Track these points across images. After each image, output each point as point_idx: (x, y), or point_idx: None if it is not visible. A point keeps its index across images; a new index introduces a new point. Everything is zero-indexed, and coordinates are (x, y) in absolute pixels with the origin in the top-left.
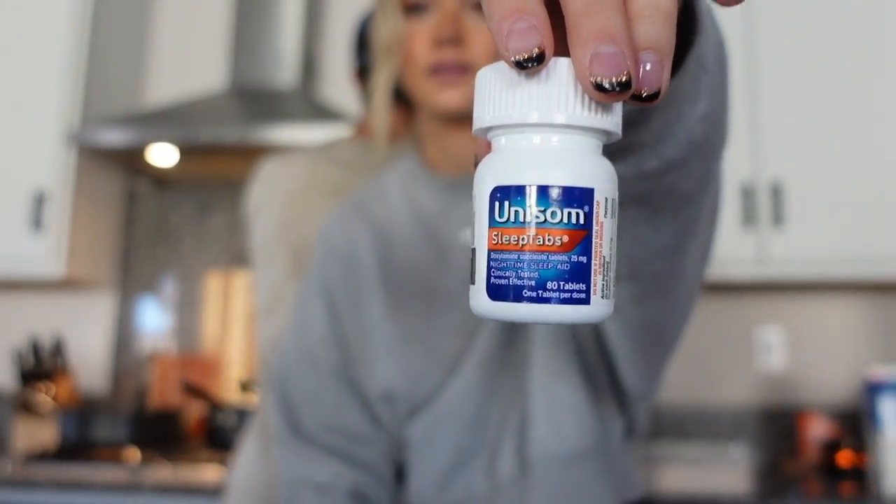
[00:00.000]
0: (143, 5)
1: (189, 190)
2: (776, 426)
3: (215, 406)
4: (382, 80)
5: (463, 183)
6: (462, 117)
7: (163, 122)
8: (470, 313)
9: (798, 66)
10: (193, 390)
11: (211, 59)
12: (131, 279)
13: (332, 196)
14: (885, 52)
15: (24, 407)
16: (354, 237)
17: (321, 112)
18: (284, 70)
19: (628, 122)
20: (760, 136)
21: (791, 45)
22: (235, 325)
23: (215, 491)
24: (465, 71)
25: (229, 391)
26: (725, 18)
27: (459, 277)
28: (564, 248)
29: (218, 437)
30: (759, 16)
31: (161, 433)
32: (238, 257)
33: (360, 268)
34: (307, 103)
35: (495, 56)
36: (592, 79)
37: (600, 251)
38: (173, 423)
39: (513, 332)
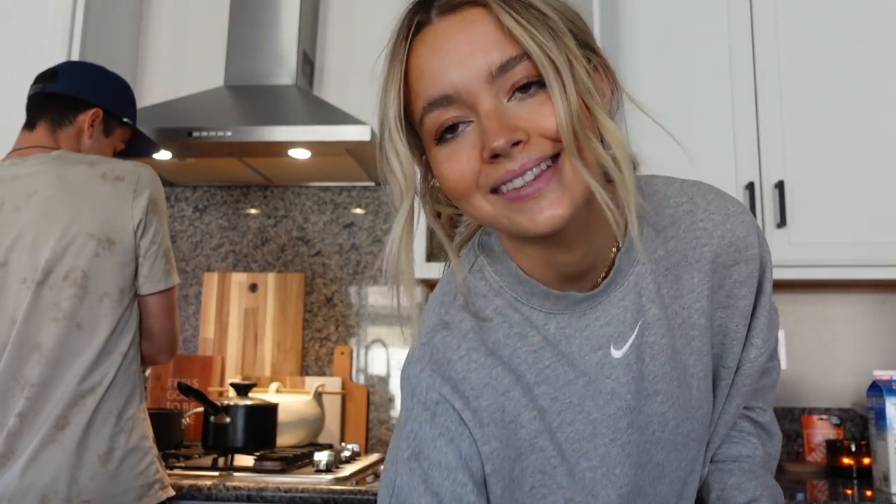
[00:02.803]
0: (139, 4)
1: (186, 190)
2: (781, 428)
3: (211, 407)
4: (399, 227)
5: (589, 297)
6: (573, 220)
7: (159, 121)
8: (642, 441)
9: (800, 67)
10: (189, 391)
11: (209, 59)
12: None
13: None
14: (888, 53)
15: None
16: (503, 390)
17: (320, 112)
18: (283, 69)
19: None
20: (764, 139)
21: (793, 46)
22: (232, 326)
23: (211, 493)
24: (546, 176)
25: (225, 392)
26: (727, 19)
27: (623, 407)
28: None
29: (213, 438)
30: (760, 16)
31: (157, 434)
32: (234, 258)
33: (520, 429)
34: (305, 103)
35: (568, 130)
36: None
37: None
38: (169, 424)
39: None
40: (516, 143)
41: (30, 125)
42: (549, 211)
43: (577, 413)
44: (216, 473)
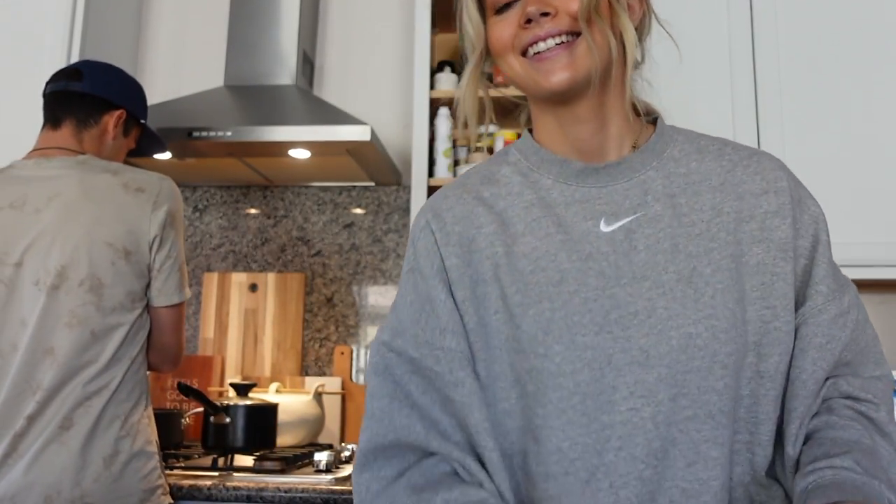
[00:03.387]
0: (139, 4)
1: (186, 190)
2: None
3: (211, 407)
4: (469, 72)
5: (592, 170)
6: (574, 94)
7: (159, 121)
8: (614, 309)
9: (800, 66)
10: (189, 391)
11: (209, 58)
12: None
13: None
14: (889, 53)
15: None
16: (474, 222)
17: (320, 112)
18: (283, 69)
19: None
20: (764, 139)
21: (793, 45)
22: (232, 326)
23: (211, 493)
24: (565, 44)
25: (225, 392)
26: (727, 19)
27: (596, 269)
28: None
29: (213, 438)
30: (760, 16)
31: (157, 435)
32: (234, 258)
33: (479, 256)
34: (305, 103)
35: (586, 13)
36: None
37: None
38: (169, 424)
39: None
40: (545, 14)
41: (54, 124)
42: (561, 73)
43: (551, 261)
44: (216, 473)
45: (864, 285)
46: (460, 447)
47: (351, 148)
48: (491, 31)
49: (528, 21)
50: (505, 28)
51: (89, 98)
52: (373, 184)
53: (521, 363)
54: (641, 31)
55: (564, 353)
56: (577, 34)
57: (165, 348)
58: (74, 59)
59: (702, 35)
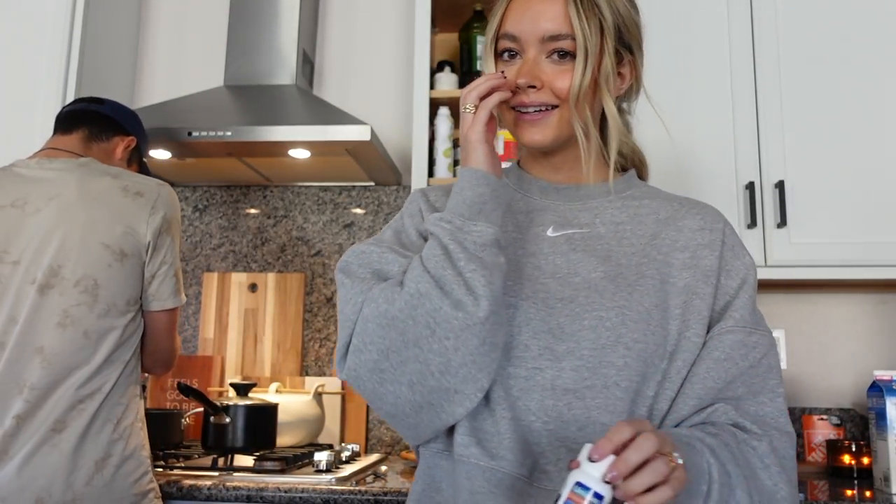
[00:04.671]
0: (139, 4)
1: (186, 190)
2: None
3: (211, 407)
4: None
5: (554, 189)
6: (551, 150)
7: (159, 121)
8: (541, 292)
9: (800, 67)
10: (189, 391)
11: (208, 58)
12: None
13: None
14: (889, 53)
15: None
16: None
17: (320, 112)
18: (282, 69)
19: None
20: (764, 139)
21: (793, 45)
22: (232, 326)
23: (211, 493)
24: (545, 111)
25: (225, 392)
26: (727, 19)
27: (534, 263)
28: None
29: (213, 438)
30: (761, 16)
31: (157, 434)
32: (234, 258)
33: None
34: (305, 103)
35: (573, 97)
36: None
37: None
38: (169, 424)
39: None
40: (532, 87)
41: (66, 130)
42: (537, 135)
43: (508, 246)
44: (216, 473)
45: (864, 285)
46: None
47: (351, 148)
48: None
49: (518, 87)
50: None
51: (107, 118)
52: (373, 184)
53: None
54: (630, 95)
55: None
56: (556, 106)
57: (159, 352)
58: (74, 59)
59: (702, 35)
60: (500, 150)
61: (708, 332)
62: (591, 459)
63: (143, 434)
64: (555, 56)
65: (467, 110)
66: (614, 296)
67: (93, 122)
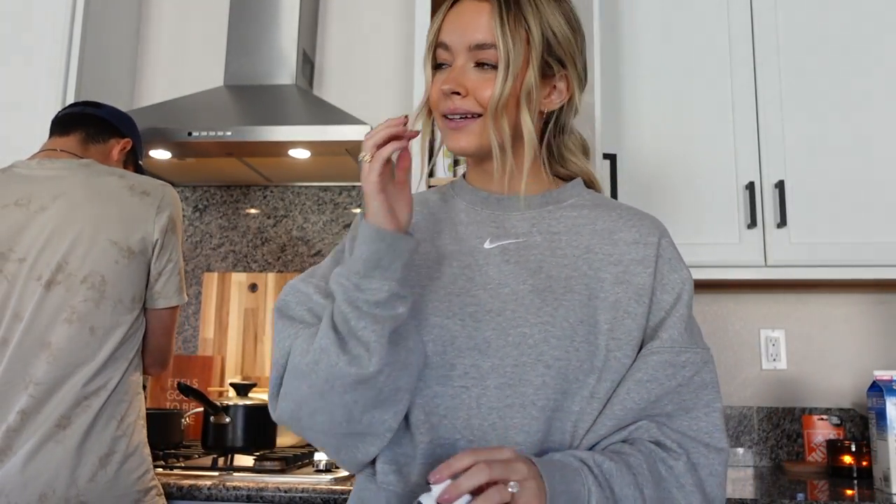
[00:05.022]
0: (139, 4)
1: (186, 190)
2: (781, 427)
3: (211, 407)
4: (417, 109)
5: (495, 200)
6: (479, 157)
7: (159, 121)
8: (471, 305)
9: (800, 67)
10: (189, 391)
11: (208, 58)
12: None
13: None
14: (889, 53)
15: None
16: (419, 216)
17: (319, 112)
18: (282, 69)
19: None
20: (764, 139)
21: (793, 45)
22: (232, 326)
23: (211, 493)
24: (469, 118)
25: (225, 392)
26: (727, 19)
27: (468, 275)
28: None
29: (213, 438)
30: (761, 16)
31: (157, 434)
32: (234, 258)
33: (415, 231)
34: (305, 103)
35: (492, 107)
36: None
37: None
38: (169, 424)
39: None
40: (457, 93)
41: (63, 132)
42: (461, 141)
43: (436, 262)
44: (216, 473)
45: (864, 285)
46: None
47: (351, 148)
48: (433, 84)
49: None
50: (436, 87)
51: (103, 121)
52: None
53: None
54: (569, 110)
55: (418, 328)
56: (481, 114)
57: (158, 350)
58: (74, 58)
59: (702, 35)
60: (445, 172)
61: (641, 349)
62: (428, 482)
63: (145, 433)
64: (480, 65)
65: (363, 160)
66: (539, 311)
67: (89, 124)
